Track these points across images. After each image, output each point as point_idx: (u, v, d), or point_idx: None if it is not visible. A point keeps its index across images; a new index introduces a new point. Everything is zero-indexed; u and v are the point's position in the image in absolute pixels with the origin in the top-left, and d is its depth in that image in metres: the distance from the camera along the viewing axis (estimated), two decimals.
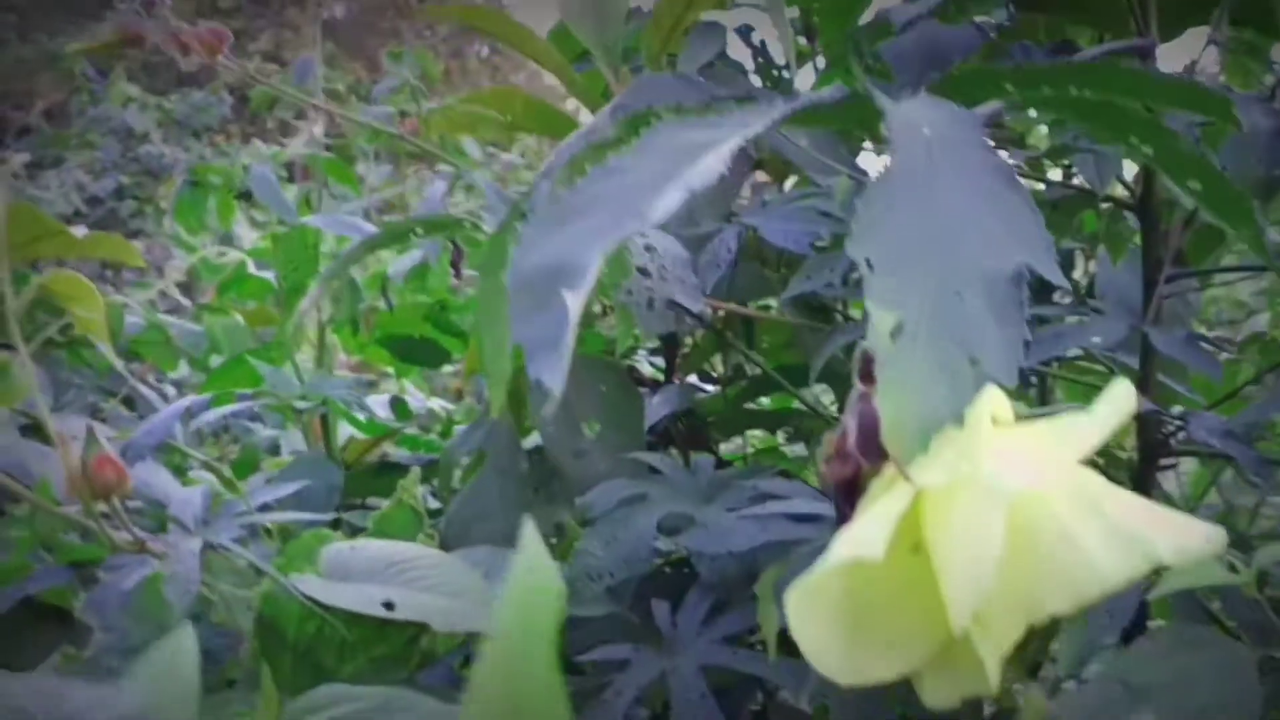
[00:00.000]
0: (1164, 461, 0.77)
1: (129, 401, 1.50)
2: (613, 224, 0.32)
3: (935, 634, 0.28)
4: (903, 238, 0.31)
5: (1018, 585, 0.26)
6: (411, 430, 1.18)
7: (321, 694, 0.53)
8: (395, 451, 1.15)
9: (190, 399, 1.08)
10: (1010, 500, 0.25)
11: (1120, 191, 0.73)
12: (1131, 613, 0.48)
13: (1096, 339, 0.61)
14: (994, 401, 0.28)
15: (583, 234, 0.32)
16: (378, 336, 1.14)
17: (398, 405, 1.17)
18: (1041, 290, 0.78)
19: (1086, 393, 0.84)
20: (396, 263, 0.93)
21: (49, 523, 0.71)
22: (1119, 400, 0.28)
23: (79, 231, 1.82)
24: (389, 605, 0.61)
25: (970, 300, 0.30)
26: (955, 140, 0.34)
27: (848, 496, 0.33)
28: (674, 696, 0.58)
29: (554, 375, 0.28)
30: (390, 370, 1.29)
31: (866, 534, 0.27)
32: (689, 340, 0.97)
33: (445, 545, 0.79)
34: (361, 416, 1.06)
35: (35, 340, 1.22)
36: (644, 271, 0.60)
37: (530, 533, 0.18)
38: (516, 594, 0.18)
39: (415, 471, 0.89)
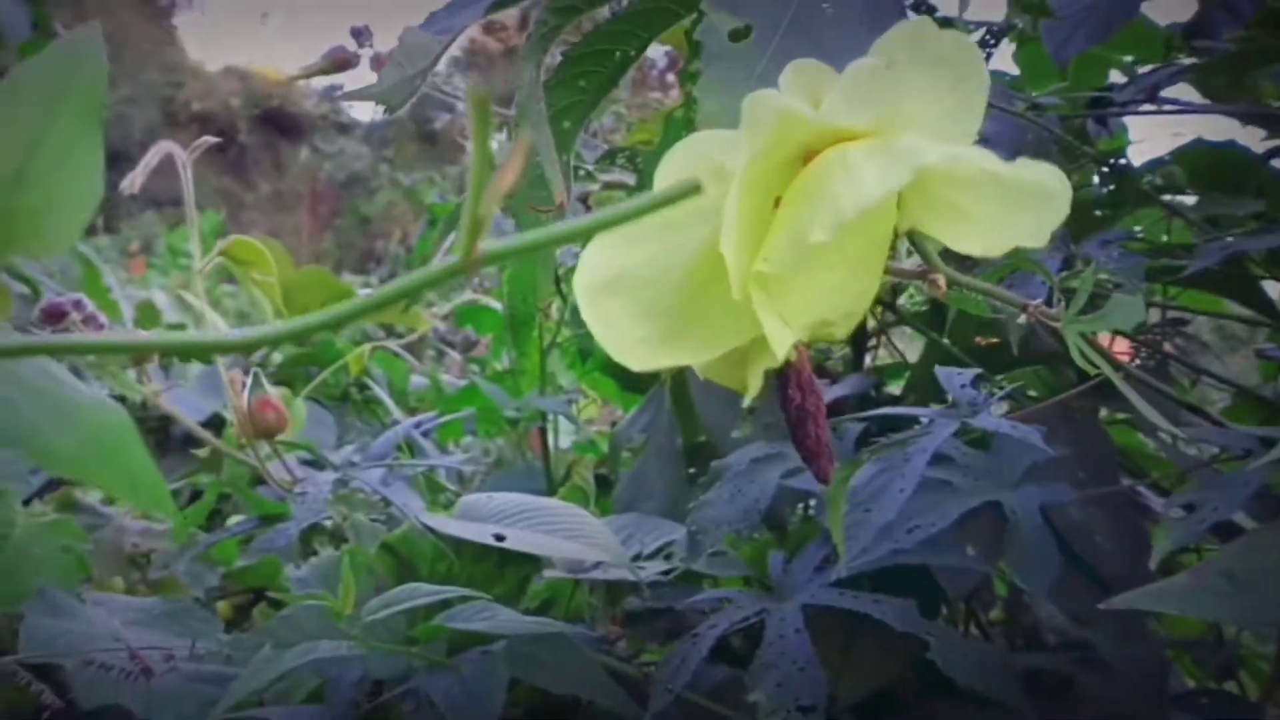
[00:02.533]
0: None
1: (407, 446, 1.64)
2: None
3: (740, 328, 0.26)
4: None
5: (794, 227, 0.24)
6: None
7: (402, 590, 0.55)
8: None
9: (421, 416, 1.16)
10: (767, 111, 0.23)
11: None
12: (1238, 502, 0.41)
13: None
14: (816, 78, 0.26)
15: (476, 7, 0.33)
16: (597, 364, 1.18)
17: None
18: None
19: None
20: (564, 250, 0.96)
21: (233, 470, 0.79)
22: (927, 41, 0.24)
23: (364, 294, 2.03)
24: (499, 537, 0.63)
25: (841, 10, 0.28)
26: None
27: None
28: (767, 631, 0.54)
29: (374, 90, 0.29)
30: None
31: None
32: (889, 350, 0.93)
33: None
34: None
35: (311, 385, 1.36)
36: None
37: (93, 30, 0.19)
38: (57, 52, 0.19)
39: (589, 458, 0.91)
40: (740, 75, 0.27)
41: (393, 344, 1.39)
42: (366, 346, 1.39)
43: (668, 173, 0.25)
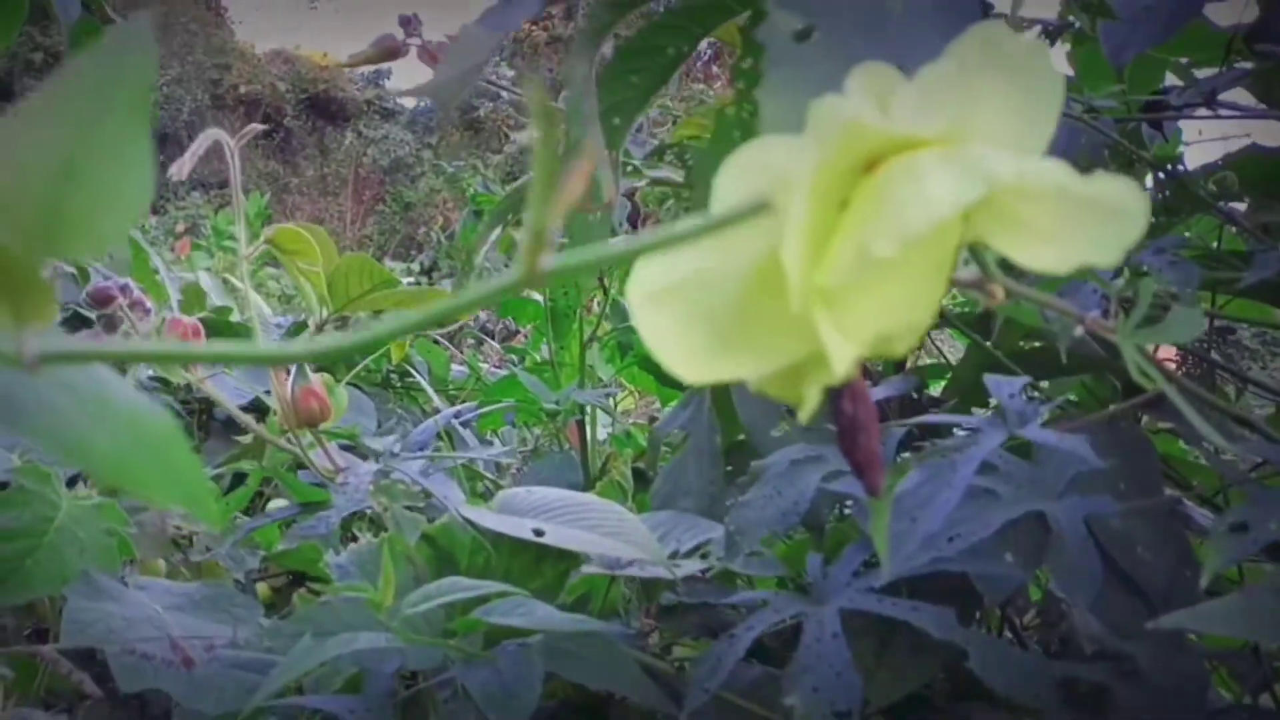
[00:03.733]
0: None
1: (447, 435, 1.65)
2: None
3: (798, 341, 0.25)
4: None
5: (858, 237, 0.23)
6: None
7: (441, 584, 0.55)
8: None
9: (460, 406, 1.17)
10: (831, 119, 0.23)
11: None
12: None
13: None
14: (886, 86, 0.25)
15: (531, 4, 0.33)
16: (636, 359, 1.18)
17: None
18: None
19: None
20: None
21: (276, 457, 0.79)
22: (998, 46, 0.24)
23: (409, 282, 2.04)
24: (539, 532, 0.63)
25: (913, 11, 0.28)
26: None
27: None
28: (804, 634, 0.54)
29: (430, 84, 0.29)
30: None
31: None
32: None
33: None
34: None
35: (354, 371, 1.37)
36: None
37: (142, 20, 0.19)
38: (106, 42, 0.19)
39: (627, 453, 0.91)
40: (805, 78, 0.26)
41: (434, 332, 1.40)
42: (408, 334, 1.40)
43: (728, 181, 0.25)
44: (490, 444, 1.21)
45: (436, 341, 1.49)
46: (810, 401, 0.26)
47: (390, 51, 0.87)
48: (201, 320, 1.56)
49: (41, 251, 0.18)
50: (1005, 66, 0.24)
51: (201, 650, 0.53)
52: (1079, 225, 0.24)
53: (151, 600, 0.63)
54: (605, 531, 0.64)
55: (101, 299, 0.68)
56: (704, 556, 0.69)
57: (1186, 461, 0.94)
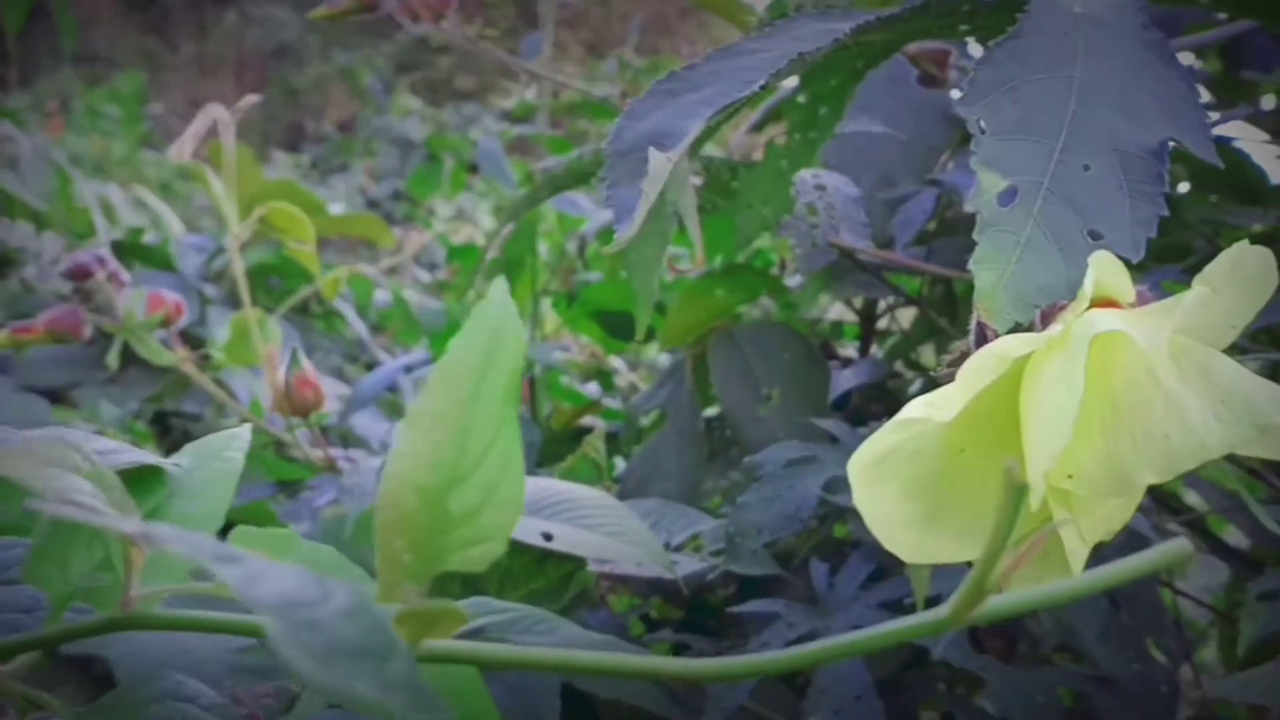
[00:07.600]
0: None
1: (370, 367, 1.62)
2: (722, 94, 0.31)
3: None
4: (1028, 102, 0.28)
5: (1113, 455, 0.23)
6: (615, 404, 1.20)
7: (466, 605, 0.55)
8: (600, 423, 1.17)
9: (410, 356, 1.14)
10: (1092, 338, 0.23)
11: None
12: None
13: None
14: (1111, 277, 0.25)
15: (691, 104, 0.31)
16: (586, 310, 1.17)
17: (603, 378, 1.19)
18: None
19: None
20: (592, 220, 0.95)
21: (256, 439, 0.77)
22: (1242, 263, 0.24)
23: (336, 209, 1.96)
24: (548, 537, 0.62)
25: (1101, 172, 0.28)
26: (1108, 17, 0.31)
27: None
28: None
29: (625, 233, 0.28)
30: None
31: (942, 398, 0.25)
32: (893, 325, 0.94)
33: (622, 498, 0.80)
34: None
35: (287, 303, 1.32)
36: (810, 208, 0.59)
37: (501, 286, 0.18)
38: (478, 326, 0.17)
39: (601, 429, 0.91)
40: (1009, 243, 0.26)
41: (370, 269, 1.36)
42: (343, 270, 1.35)
43: (971, 375, 0.24)
44: None
45: (368, 278, 1.45)
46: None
47: (369, 4, 0.82)
48: (116, 244, 1.47)
49: (432, 563, 0.17)
50: (1243, 277, 0.25)
51: (262, 702, 0.51)
52: None
53: None
54: (608, 532, 0.64)
55: (80, 273, 0.63)
56: (697, 549, 0.69)
57: None
